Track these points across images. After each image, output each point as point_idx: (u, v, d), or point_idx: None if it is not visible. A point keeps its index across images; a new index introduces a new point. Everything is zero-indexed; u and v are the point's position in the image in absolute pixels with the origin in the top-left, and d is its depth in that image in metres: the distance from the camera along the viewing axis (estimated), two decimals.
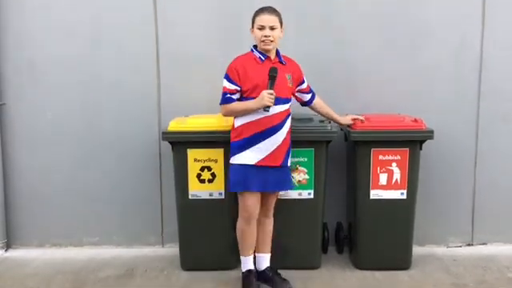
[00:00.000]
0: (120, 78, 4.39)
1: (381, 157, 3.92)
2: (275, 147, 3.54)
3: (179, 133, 3.90)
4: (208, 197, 3.95)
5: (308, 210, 3.97)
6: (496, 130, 4.45)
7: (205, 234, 3.99)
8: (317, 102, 3.90)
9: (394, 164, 3.92)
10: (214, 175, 3.93)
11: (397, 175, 3.93)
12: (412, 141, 3.90)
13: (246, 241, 3.70)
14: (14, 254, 4.49)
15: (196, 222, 3.99)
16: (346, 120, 3.95)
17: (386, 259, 4.02)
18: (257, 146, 3.52)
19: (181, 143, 3.90)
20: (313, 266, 4.07)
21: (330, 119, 3.92)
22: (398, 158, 3.92)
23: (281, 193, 3.86)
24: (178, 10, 4.39)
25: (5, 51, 4.40)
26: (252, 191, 3.56)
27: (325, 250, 4.27)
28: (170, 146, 3.95)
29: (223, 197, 3.95)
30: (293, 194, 3.95)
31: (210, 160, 3.92)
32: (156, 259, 4.08)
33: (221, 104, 3.58)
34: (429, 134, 3.89)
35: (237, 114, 3.58)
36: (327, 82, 4.39)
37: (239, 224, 3.69)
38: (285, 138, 3.58)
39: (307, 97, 3.86)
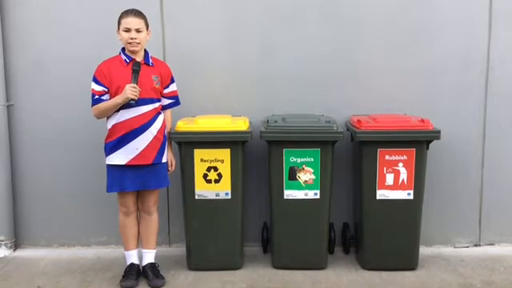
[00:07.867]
0: None
1: (387, 157, 3.91)
2: (144, 146, 3.65)
3: (186, 133, 3.91)
4: (214, 197, 3.96)
5: (314, 210, 3.97)
6: (503, 130, 4.43)
7: (211, 234, 4.00)
8: (167, 113, 3.88)
9: (400, 164, 3.91)
10: (220, 175, 3.94)
11: (403, 175, 3.92)
12: (419, 141, 3.89)
13: (126, 233, 3.86)
14: (22, 253, 4.51)
15: (202, 222, 4.00)
16: (168, 156, 3.87)
17: (392, 259, 4.02)
18: (126, 146, 3.63)
19: (188, 143, 3.92)
20: (319, 266, 4.07)
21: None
22: (405, 158, 3.91)
23: (286, 193, 3.85)
24: (185, 9, 4.40)
25: (12, 52, 4.42)
26: (127, 191, 3.72)
27: (331, 251, 4.28)
28: (176, 146, 3.97)
29: (230, 197, 3.96)
30: (299, 195, 3.95)
31: (216, 160, 3.93)
32: (163, 259, 4.08)
33: (92, 106, 3.67)
34: (436, 135, 3.88)
35: (108, 112, 3.64)
36: (335, 83, 4.40)
37: (119, 217, 3.86)
38: (155, 137, 3.68)
39: (165, 101, 3.84)
